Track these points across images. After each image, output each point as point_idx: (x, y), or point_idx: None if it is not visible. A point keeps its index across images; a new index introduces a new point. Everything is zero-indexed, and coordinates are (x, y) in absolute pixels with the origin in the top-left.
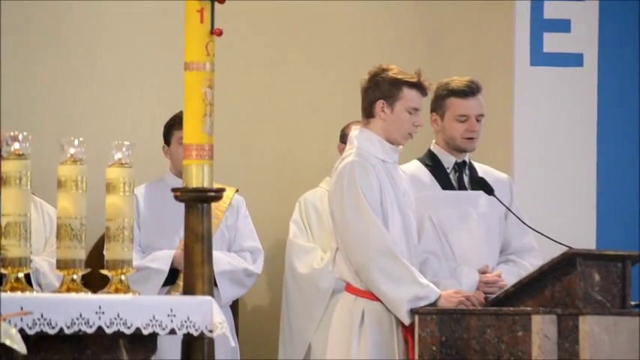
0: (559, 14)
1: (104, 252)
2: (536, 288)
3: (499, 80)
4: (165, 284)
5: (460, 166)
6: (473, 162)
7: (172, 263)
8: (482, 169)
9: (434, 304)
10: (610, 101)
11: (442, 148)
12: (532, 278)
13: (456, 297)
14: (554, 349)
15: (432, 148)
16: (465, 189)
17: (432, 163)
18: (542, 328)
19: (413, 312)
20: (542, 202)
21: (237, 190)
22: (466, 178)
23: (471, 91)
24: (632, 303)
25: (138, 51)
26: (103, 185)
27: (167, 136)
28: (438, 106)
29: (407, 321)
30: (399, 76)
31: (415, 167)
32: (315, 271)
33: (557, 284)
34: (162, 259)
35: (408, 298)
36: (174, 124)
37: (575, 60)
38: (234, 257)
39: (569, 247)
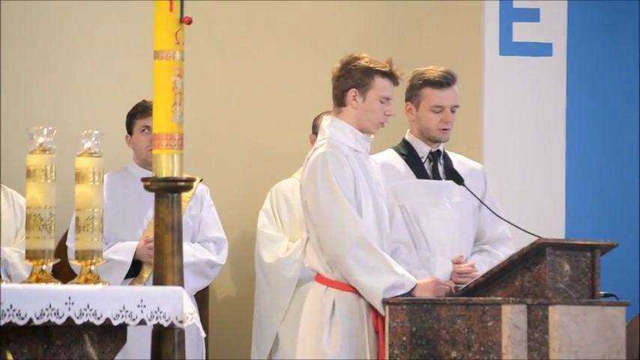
0: (528, 4)
1: (67, 243)
2: (506, 278)
3: (468, 69)
4: (128, 276)
5: (435, 156)
6: (448, 152)
7: (135, 255)
8: (457, 159)
9: (410, 293)
10: (579, 90)
11: (417, 137)
12: (502, 268)
13: (433, 285)
14: (524, 338)
15: (406, 137)
16: (440, 178)
17: (407, 152)
18: (512, 317)
19: (384, 302)
20: (511, 192)
21: (201, 180)
22: (441, 168)
23: (446, 81)
24: (602, 293)
25: (107, 39)
26: (72, 175)
27: (130, 125)
28: (412, 95)
29: (383, 311)
30: (372, 65)
31: (390, 156)
32: (281, 261)
33: (527, 274)
34: (125, 250)
35: (385, 287)
36: (136, 113)
37: (544, 49)
38: (198, 248)
39: (539, 237)
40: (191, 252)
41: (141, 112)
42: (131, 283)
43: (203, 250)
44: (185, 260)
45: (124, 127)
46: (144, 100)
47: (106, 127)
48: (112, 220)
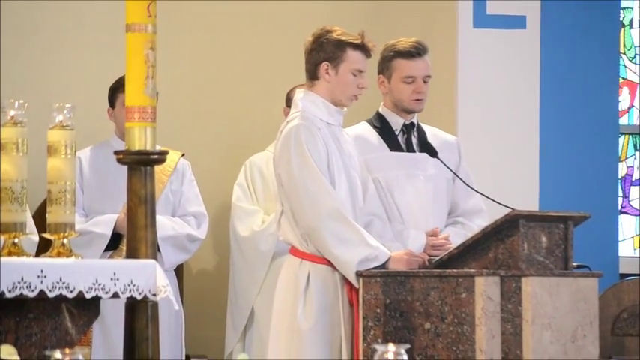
0: None
1: (47, 215)
2: (479, 250)
3: (442, 42)
4: (108, 249)
5: (408, 128)
6: (422, 124)
7: (115, 227)
8: (431, 132)
9: (384, 265)
10: (552, 63)
11: (390, 109)
12: (476, 240)
13: (407, 257)
14: (497, 310)
15: (380, 110)
16: (414, 151)
17: (381, 125)
18: (486, 289)
19: (358, 275)
20: (485, 164)
21: (182, 155)
22: (414, 140)
23: (417, 52)
24: (574, 264)
25: (80, 12)
26: (44, 148)
27: (112, 98)
28: (384, 67)
29: (357, 283)
30: (343, 38)
31: (363, 129)
32: (256, 234)
33: (501, 246)
34: (105, 223)
35: (359, 259)
36: (118, 87)
37: (517, 22)
38: (178, 222)
39: (512, 209)
40: (171, 225)
41: (123, 85)
42: (111, 256)
43: (183, 223)
44: (165, 234)
45: (97, 101)
46: None
47: (78, 101)
48: (93, 193)
